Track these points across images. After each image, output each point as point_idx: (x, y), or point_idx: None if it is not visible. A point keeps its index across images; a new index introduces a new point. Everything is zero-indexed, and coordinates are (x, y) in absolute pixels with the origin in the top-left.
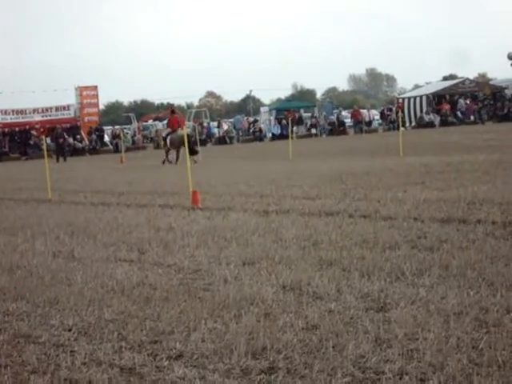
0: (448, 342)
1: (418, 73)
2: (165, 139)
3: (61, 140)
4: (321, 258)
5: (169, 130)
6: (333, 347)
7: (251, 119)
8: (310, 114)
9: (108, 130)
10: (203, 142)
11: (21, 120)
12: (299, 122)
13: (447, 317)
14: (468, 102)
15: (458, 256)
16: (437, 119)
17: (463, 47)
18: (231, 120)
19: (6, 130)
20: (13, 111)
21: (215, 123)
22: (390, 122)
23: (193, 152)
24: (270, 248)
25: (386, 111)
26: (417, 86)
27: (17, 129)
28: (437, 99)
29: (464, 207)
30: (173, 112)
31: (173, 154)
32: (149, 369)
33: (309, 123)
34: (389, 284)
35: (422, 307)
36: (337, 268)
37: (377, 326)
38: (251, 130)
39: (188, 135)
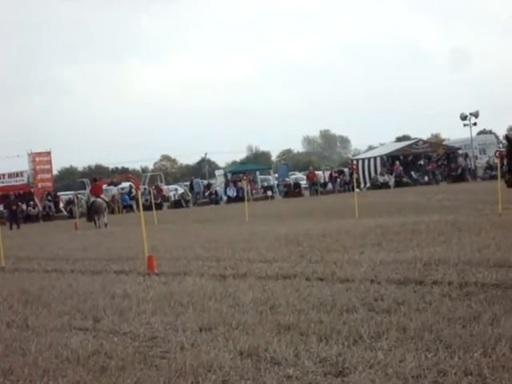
0: None
1: (372, 134)
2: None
3: (14, 207)
4: (278, 322)
5: (94, 197)
6: None
7: (205, 182)
8: (264, 177)
9: (62, 196)
10: (158, 206)
11: None
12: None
13: (406, 380)
14: (424, 162)
15: (415, 318)
16: (391, 180)
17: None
18: (187, 183)
19: None
20: None
21: (172, 186)
22: (345, 184)
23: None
24: (227, 313)
25: (333, 174)
26: (371, 148)
27: None
28: (391, 160)
29: (420, 268)
30: (95, 180)
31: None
32: None
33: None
34: (347, 348)
35: (380, 371)
36: (294, 332)
37: None
38: (206, 193)
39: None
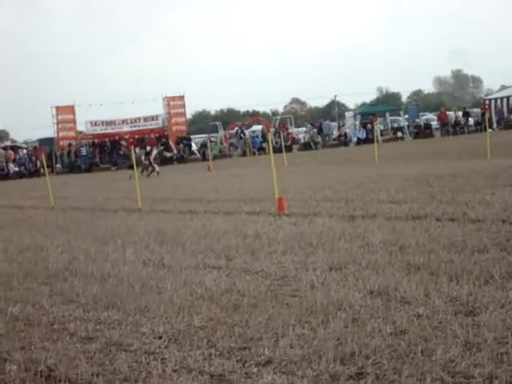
0: None
1: (505, 73)
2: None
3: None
4: (408, 262)
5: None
6: (421, 352)
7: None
8: (395, 118)
9: (196, 139)
10: (288, 148)
11: (110, 131)
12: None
13: None
14: None
15: None
16: None
17: None
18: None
19: (96, 141)
20: (102, 122)
21: (301, 129)
22: (478, 124)
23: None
24: (356, 253)
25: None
26: (503, 87)
27: (106, 140)
28: None
29: None
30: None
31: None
32: (238, 375)
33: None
34: (478, 288)
35: (511, 311)
36: (425, 272)
37: (466, 330)
38: (336, 135)
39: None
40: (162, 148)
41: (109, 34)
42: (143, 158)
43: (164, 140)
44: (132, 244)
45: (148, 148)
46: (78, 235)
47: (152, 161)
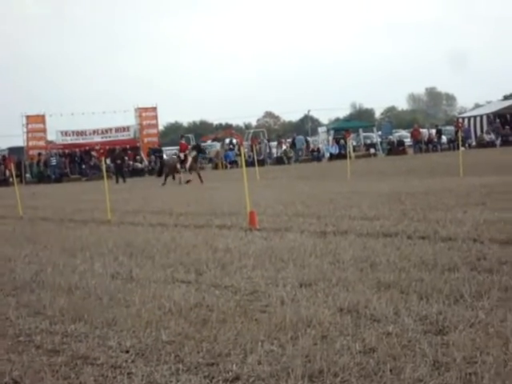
0: (507, 366)
1: (479, 92)
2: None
3: (119, 161)
4: (379, 280)
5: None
6: (390, 371)
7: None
8: (368, 134)
9: (167, 151)
10: (261, 162)
11: (81, 141)
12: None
13: (506, 340)
14: None
15: None
16: (498, 139)
17: None
18: (289, 140)
19: (67, 151)
20: (73, 132)
21: (274, 143)
22: (450, 142)
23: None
24: (327, 269)
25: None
26: (477, 105)
27: (77, 150)
28: (498, 119)
29: None
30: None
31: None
32: None
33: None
34: (447, 307)
35: (481, 330)
36: (395, 290)
37: (435, 349)
38: (309, 150)
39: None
40: (194, 153)
41: (80, 44)
42: (178, 166)
43: (195, 143)
44: (101, 256)
45: (182, 155)
46: (47, 246)
47: (188, 169)
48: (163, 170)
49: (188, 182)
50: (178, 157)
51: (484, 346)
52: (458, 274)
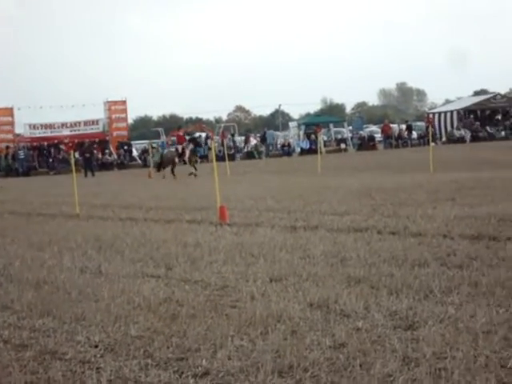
0: (477, 361)
1: (449, 87)
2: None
3: (87, 154)
4: (349, 275)
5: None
6: (360, 366)
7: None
8: (338, 129)
9: (137, 145)
10: (231, 157)
11: (49, 134)
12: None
13: (476, 335)
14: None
15: (487, 274)
16: (468, 135)
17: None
18: (259, 134)
19: (35, 144)
20: (41, 126)
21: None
22: (420, 138)
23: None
24: (297, 265)
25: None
26: (448, 101)
27: (45, 143)
28: (467, 114)
29: (494, 224)
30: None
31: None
32: None
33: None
34: (417, 302)
35: (450, 325)
36: (365, 285)
37: (405, 344)
38: (280, 145)
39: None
40: (191, 146)
41: (50, 36)
42: (177, 160)
43: (191, 136)
44: (69, 250)
45: (179, 147)
46: (14, 240)
47: (187, 162)
48: (162, 163)
49: (191, 174)
50: (176, 150)
51: (454, 341)
52: (427, 269)
